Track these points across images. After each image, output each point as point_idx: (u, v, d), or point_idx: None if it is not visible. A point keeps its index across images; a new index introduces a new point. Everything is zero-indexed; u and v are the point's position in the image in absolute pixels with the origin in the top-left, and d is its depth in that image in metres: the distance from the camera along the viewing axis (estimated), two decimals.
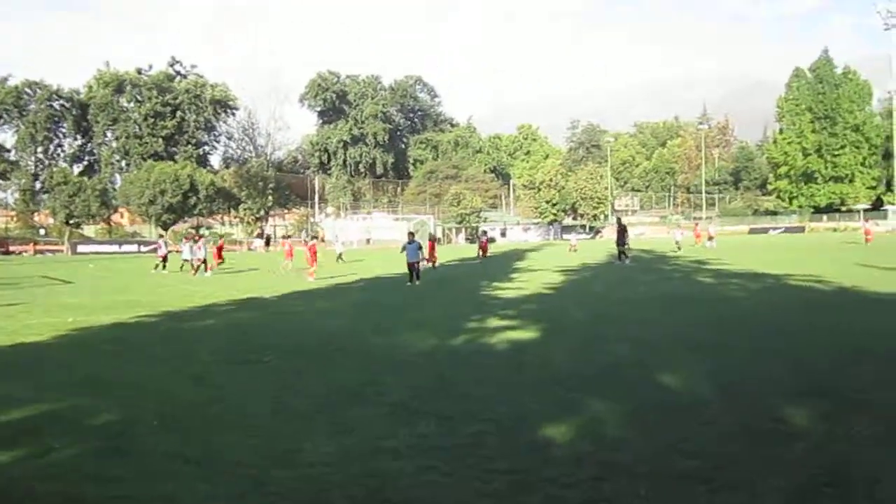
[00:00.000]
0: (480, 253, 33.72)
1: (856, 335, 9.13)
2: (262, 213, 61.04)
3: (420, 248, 19.16)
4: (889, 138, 78.82)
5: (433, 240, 29.79)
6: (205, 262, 25.39)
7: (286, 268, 25.35)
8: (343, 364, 7.95)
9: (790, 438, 5.02)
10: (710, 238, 38.84)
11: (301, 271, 22.99)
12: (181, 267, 27.20)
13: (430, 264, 27.67)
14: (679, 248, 36.43)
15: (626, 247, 25.83)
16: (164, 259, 27.47)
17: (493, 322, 11.00)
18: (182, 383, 7.09)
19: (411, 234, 20.48)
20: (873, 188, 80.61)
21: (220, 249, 28.34)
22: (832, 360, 7.61)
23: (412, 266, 18.85)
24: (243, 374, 7.50)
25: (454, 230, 78.47)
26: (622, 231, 26.18)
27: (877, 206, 76.37)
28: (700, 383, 6.58)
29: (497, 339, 9.37)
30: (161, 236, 34.04)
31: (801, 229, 72.80)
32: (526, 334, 9.71)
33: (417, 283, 18.45)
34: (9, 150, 78.83)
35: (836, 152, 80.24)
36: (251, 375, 7.42)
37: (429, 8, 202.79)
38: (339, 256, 33.49)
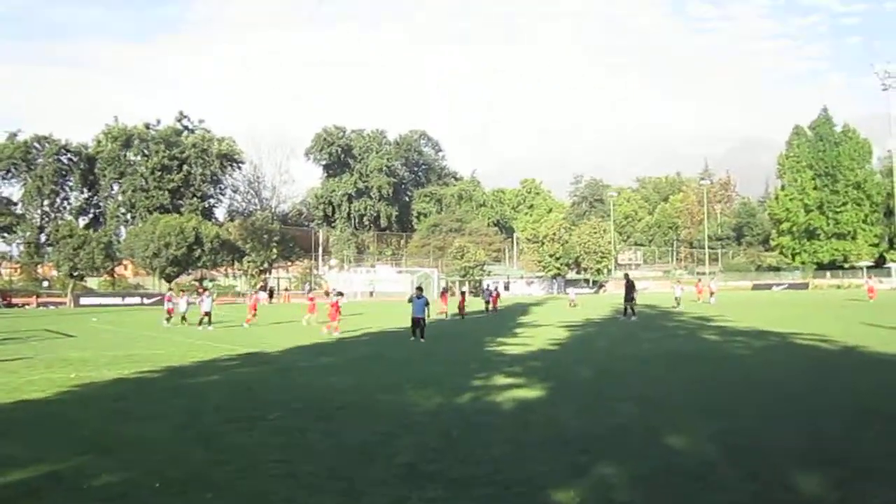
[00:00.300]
0: (490, 307, 33.65)
1: (862, 395, 9.07)
2: (265, 265, 61.19)
3: (427, 304, 18.95)
4: (890, 196, 79.33)
5: (445, 291, 31.84)
6: (208, 315, 25.22)
7: (309, 321, 25.64)
8: (349, 423, 7.91)
9: None
10: (712, 294, 38.75)
11: (322, 325, 22.94)
12: (181, 319, 27.01)
13: (443, 315, 28.24)
14: (678, 305, 35.84)
15: (633, 302, 25.72)
16: (171, 313, 27.52)
17: (499, 379, 10.96)
18: (185, 443, 7.05)
19: (419, 290, 20.37)
20: (875, 245, 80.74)
21: (255, 304, 28.64)
22: (841, 422, 7.56)
23: (417, 321, 18.67)
24: (248, 433, 7.46)
25: (458, 283, 78.46)
26: (630, 286, 26.10)
27: (879, 264, 76.29)
28: (708, 446, 6.54)
29: (503, 397, 9.33)
30: (170, 290, 34.10)
31: (805, 286, 72.62)
32: (532, 392, 9.67)
33: (422, 340, 18.14)
34: (15, 204, 79.73)
35: (838, 209, 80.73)
36: (257, 435, 7.37)
37: (434, 66, 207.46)
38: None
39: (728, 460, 6.04)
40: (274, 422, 8.02)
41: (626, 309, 25.63)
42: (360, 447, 6.73)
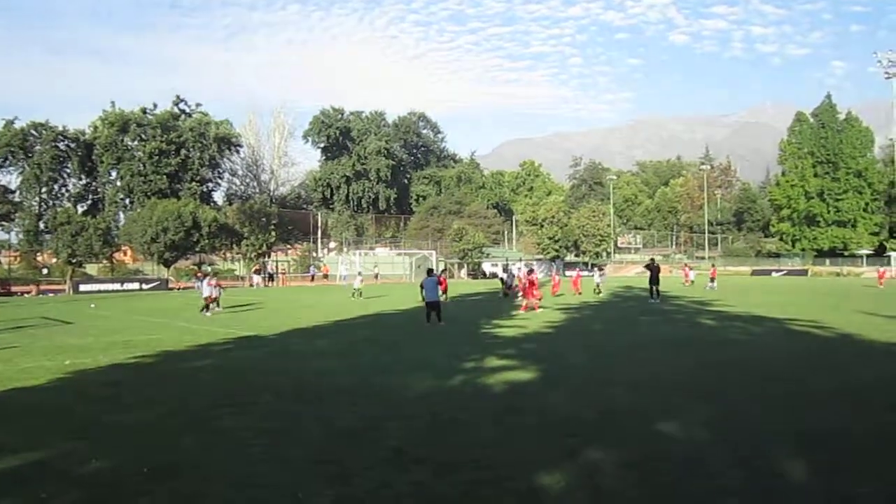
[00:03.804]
0: (511, 292, 32.54)
1: (855, 383, 9.09)
2: (264, 248, 61.12)
3: (440, 283, 18.36)
4: (892, 184, 79.14)
5: (445, 277, 30.78)
6: (215, 300, 25.12)
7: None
8: (340, 406, 7.92)
9: (791, 494, 4.97)
10: (712, 279, 39.06)
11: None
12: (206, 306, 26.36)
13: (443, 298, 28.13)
14: (691, 284, 39.72)
15: (658, 285, 27.40)
16: (211, 299, 26.23)
17: (492, 362, 10.97)
18: (176, 429, 7.05)
19: (430, 271, 19.98)
20: (876, 234, 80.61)
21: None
22: (833, 408, 7.57)
23: (432, 305, 17.84)
24: (240, 417, 7.47)
25: (456, 265, 78.50)
26: (656, 270, 27.77)
27: (879, 252, 76.14)
28: (699, 432, 6.54)
29: (494, 380, 9.34)
30: (202, 274, 32.67)
31: (804, 272, 72.59)
32: (524, 375, 9.68)
33: (441, 323, 17.41)
34: (13, 192, 79.41)
35: (839, 197, 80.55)
36: (249, 419, 7.38)
37: (433, 51, 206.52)
38: (358, 293, 32.65)
39: (719, 446, 6.05)
40: (265, 406, 8.03)
41: (651, 291, 27.44)
42: (349, 431, 6.74)
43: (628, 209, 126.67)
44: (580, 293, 32.13)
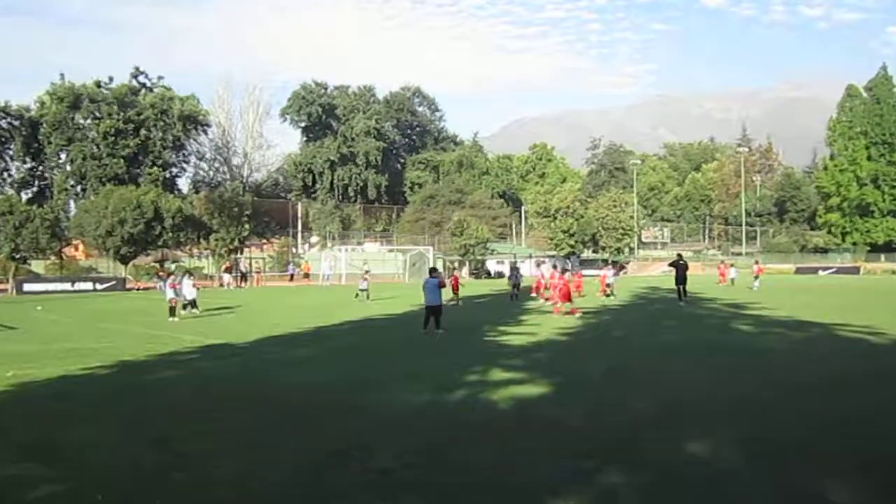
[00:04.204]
0: (516, 291, 32.64)
1: None
2: (236, 243, 61.08)
3: (442, 285, 18.31)
4: None
5: (457, 276, 31.32)
6: (194, 302, 26.00)
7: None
8: (325, 423, 7.98)
9: None
10: (756, 277, 39.35)
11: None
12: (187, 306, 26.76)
13: (455, 302, 28.43)
14: (732, 285, 40.84)
15: (685, 284, 27.71)
16: (186, 301, 26.75)
17: (498, 374, 11.04)
18: (135, 449, 7.11)
19: (433, 269, 20.02)
20: None
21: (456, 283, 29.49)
22: (886, 428, 7.63)
23: (432, 309, 17.58)
24: (210, 435, 7.53)
25: (457, 263, 78.58)
26: (683, 268, 28.00)
27: None
28: (729, 453, 6.60)
29: (500, 395, 9.40)
30: (168, 274, 33.03)
31: (856, 270, 72.58)
32: (533, 389, 9.75)
33: (440, 331, 17.15)
34: None
35: None
36: (219, 437, 7.45)
37: (431, 16, 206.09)
38: (365, 294, 32.60)
39: (751, 470, 6.11)
40: (237, 424, 8.09)
41: (679, 292, 27.69)
42: (332, 451, 6.80)
43: (654, 198, 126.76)
44: (608, 294, 32.23)
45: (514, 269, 35.61)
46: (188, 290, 26.31)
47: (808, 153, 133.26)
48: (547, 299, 29.64)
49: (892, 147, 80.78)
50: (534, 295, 31.80)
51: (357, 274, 62.56)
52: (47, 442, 7.42)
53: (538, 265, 35.04)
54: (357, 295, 32.90)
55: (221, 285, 53.44)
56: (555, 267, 33.19)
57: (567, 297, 22.92)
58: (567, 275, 24.22)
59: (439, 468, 6.26)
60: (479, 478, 5.93)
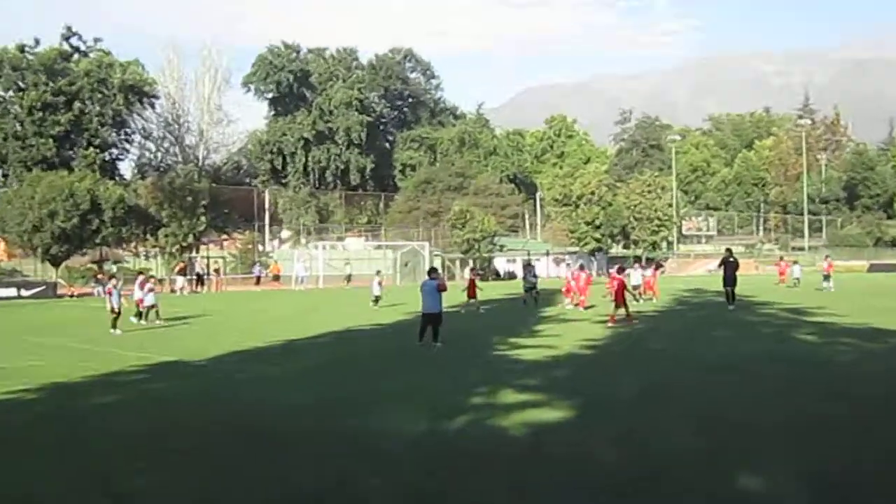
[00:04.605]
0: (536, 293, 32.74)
1: None
2: (190, 239, 61.09)
3: (443, 288, 18.43)
4: None
5: (474, 276, 31.52)
6: (154, 308, 26.42)
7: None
8: (298, 456, 7.98)
9: None
10: (827, 276, 39.49)
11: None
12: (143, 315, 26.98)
13: (474, 307, 28.77)
14: (796, 286, 41.81)
15: (735, 286, 27.82)
16: (140, 305, 27.15)
17: (508, 396, 11.05)
18: (70, 489, 7.10)
19: (433, 269, 20.18)
20: None
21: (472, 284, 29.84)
22: None
23: (430, 318, 17.71)
24: (163, 471, 7.54)
25: (458, 262, 78.54)
26: (733, 266, 28.07)
27: None
28: (794, 489, 6.60)
29: (512, 420, 9.40)
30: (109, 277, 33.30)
31: None
32: (552, 414, 9.75)
33: (438, 344, 17.31)
34: None
35: None
36: (173, 473, 7.45)
37: None
38: (378, 299, 32.56)
39: None
40: (194, 457, 8.09)
41: (728, 294, 27.77)
42: (307, 491, 6.80)
43: (697, 182, 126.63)
44: (656, 297, 32.22)
45: (530, 267, 35.62)
46: (146, 294, 26.63)
47: (884, 126, 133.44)
48: (577, 304, 29.83)
49: None
50: (567, 301, 31.78)
51: (337, 276, 62.71)
52: None
53: (579, 266, 35.18)
54: (375, 301, 32.46)
55: (173, 290, 53.43)
56: (581, 267, 33.35)
57: (622, 301, 23.06)
58: (624, 275, 24.45)
59: None
60: None
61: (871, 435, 8.47)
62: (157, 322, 26.28)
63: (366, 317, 27.29)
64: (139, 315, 26.46)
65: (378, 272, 36.74)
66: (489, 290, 37.16)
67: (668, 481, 6.89)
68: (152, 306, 26.68)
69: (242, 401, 11.42)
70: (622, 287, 23.29)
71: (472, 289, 29.38)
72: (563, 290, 33.45)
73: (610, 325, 22.26)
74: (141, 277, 28.65)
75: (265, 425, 9.57)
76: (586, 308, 28.95)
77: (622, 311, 23.00)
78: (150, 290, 27.15)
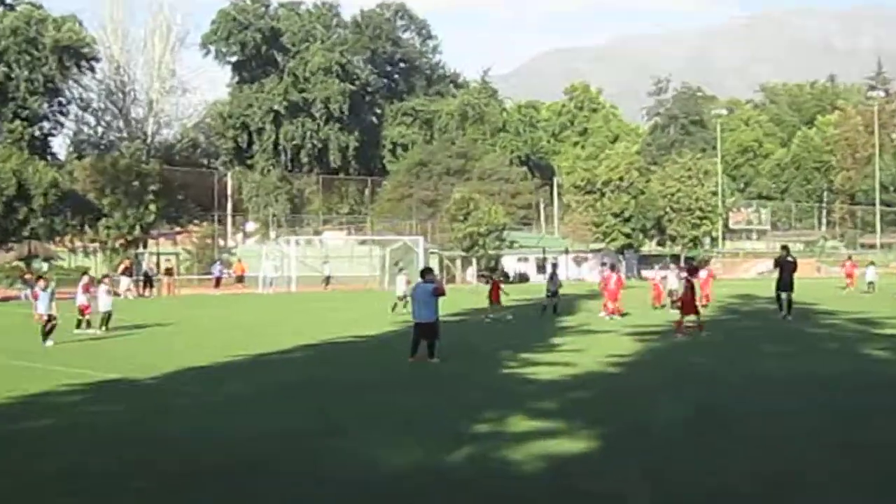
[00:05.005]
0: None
1: None
2: (137, 232, 61.12)
3: (440, 293, 18.49)
4: None
5: (499, 279, 32.12)
6: (108, 316, 26.59)
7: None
8: (268, 494, 7.97)
9: None
10: None
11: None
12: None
13: (505, 313, 29.39)
14: (872, 291, 42.57)
15: (791, 292, 27.73)
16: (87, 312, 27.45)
17: (519, 423, 11.03)
18: None
19: (428, 270, 20.26)
20: None
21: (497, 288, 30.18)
22: None
23: (424, 328, 17.85)
24: None
25: (459, 261, 78.56)
26: (791, 267, 27.95)
27: None
28: None
29: (525, 453, 9.37)
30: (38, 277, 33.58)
31: None
32: (573, 445, 9.72)
33: (433, 360, 17.51)
34: None
35: None
36: None
37: None
38: (401, 301, 32.58)
39: None
40: (140, 495, 8.07)
41: (783, 301, 27.68)
42: None
43: (747, 165, 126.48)
44: (706, 303, 32.34)
45: (552, 271, 35.84)
46: (103, 298, 26.83)
47: None
48: (612, 312, 29.87)
49: None
50: (670, 306, 31.92)
51: (313, 277, 62.58)
52: None
53: (610, 266, 35.53)
54: (395, 306, 32.36)
55: (117, 294, 53.48)
56: (613, 268, 33.40)
57: (692, 307, 23.22)
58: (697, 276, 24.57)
59: None
60: None
61: None
62: (98, 332, 26.08)
63: (347, 327, 27.28)
64: (80, 324, 26.40)
65: (401, 269, 36.85)
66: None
67: None
68: (108, 313, 26.74)
69: (196, 427, 11.38)
70: (693, 290, 23.35)
71: (496, 293, 29.78)
72: (655, 295, 34.54)
73: (678, 335, 22.50)
74: (85, 278, 28.72)
75: (221, 457, 9.54)
76: (622, 315, 29.02)
77: (692, 317, 23.19)
78: (109, 292, 27.35)
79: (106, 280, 29.58)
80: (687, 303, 23.29)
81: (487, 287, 31.67)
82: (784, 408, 12.19)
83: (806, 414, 11.73)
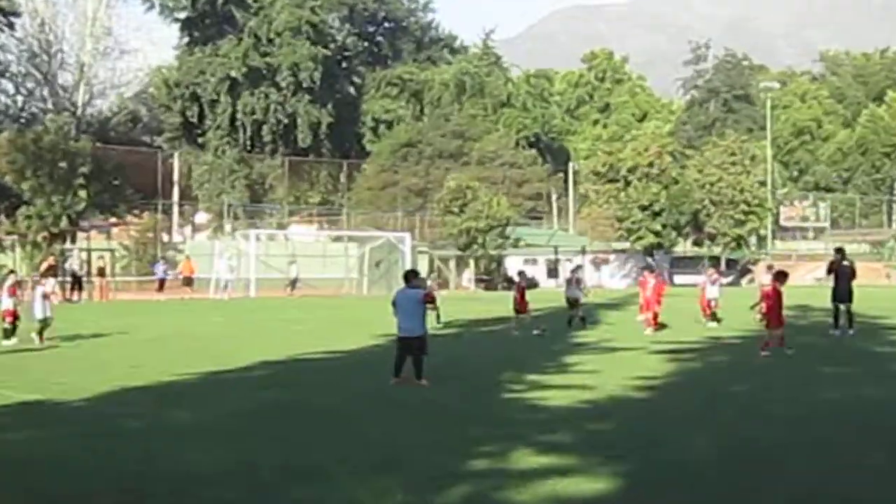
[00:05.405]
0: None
1: None
2: (63, 223, 61.05)
3: (429, 300, 18.38)
4: None
5: (524, 284, 31.97)
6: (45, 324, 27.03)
7: None
8: None
9: None
10: None
11: None
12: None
13: (522, 321, 29.67)
14: None
15: (850, 303, 27.88)
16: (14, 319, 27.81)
17: (525, 458, 11.07)
18: None
19: (413, 273, 20.42)
20: None
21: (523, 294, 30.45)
22: None
23: (408, 343, 18.18)
24: None
25: (454, 262, 78.60)
26: (849, 274, 28.16)
27: None
28: None
29: (532, 494, 9.43)
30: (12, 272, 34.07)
31: None
32: (590, 486, 9.77)
33: (421, 382, 17.65)
34: None
35: None
36: None
37: None
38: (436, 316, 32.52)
39: None
40: None
41: (840, 313, 27.94)
42: None
43: (803, 150, 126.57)
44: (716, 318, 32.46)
45: (576, 269, 36.08)
46: (38, 304, 27.12)
47: None
48: (650, 324, 30.00)
49: None
50: (708, 318, 32.12)
51: (277, 280, 62.64)
52: None
53: (648, 268, 35.80)
54: (439, 318, 32.09)
55: (51, 296, 53.48)
56: (651, 270, 33.55)
57: (777, 320, 23.35)
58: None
59: None
60: None
61: None
62: (36, 342, 26.27)
63: (317, 341, 27.33)
64: (6, 333, 26.66)
65: (431, 274, 36.90)
66: (498, 306, 37.26)
67: None
68: (44, 320, 26.96)
69: (133, 462, 11.36)
70: (779, 299, 23.43)
71: (522, 300, 30.10)
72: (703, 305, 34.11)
73: (764, 353, 22.52)
74: (11, 279, 28.83)
75: (169, 498, 9.57)
76: (657, 329, 29.15)
77: (779, 331, 23.26)
78: (45, 295, 27.72)
79: (42, 282, 29.53)
80: (774, 314, 23.34)
81: (512, 294, 31.60)
82: (839, 440, 12.22)
83: (865, 447, 11.71)
